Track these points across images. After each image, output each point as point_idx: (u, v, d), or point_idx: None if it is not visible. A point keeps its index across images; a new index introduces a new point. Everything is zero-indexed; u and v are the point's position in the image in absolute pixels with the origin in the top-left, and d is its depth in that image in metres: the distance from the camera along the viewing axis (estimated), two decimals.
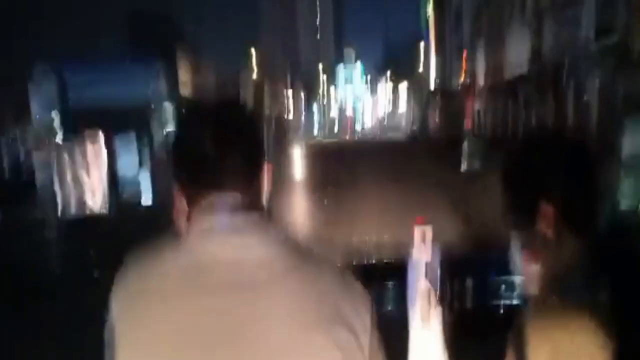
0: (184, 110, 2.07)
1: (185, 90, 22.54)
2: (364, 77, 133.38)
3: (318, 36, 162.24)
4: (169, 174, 1.17)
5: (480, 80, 34.64)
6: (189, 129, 1.16)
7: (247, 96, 36.94)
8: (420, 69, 64.40)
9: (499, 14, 30.21)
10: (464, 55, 40.18)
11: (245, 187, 1.10)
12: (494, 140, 29.27)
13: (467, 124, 32.49)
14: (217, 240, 1.03)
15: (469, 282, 1.66)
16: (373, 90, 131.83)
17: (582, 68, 19.09)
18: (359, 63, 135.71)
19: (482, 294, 1.61)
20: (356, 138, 53.17)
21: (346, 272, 1.10)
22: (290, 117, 59.16)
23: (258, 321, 0.98)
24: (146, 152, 17.91)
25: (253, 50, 53.47)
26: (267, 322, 0.98)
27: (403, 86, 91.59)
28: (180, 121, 2.07)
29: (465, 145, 29.57)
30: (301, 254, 1.07)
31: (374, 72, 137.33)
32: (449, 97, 43.42)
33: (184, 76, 22.34)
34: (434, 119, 48.11)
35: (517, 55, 27.20)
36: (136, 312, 1.02)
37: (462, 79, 40.60)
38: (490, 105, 32.63)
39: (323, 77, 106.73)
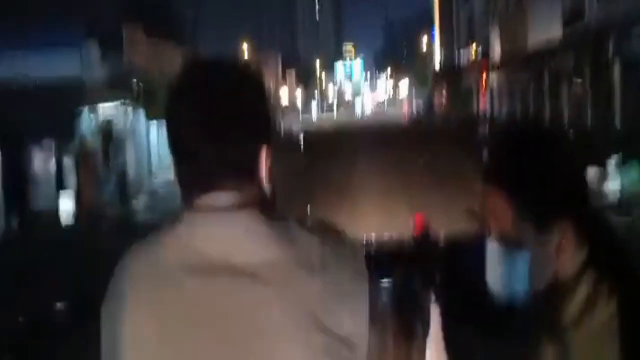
0: (171, 85, 1.01)
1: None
2: (363, 73, 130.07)
3: (317, 30, 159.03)
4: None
5: (496, 55, 29.57)
6: (172, 116, 1.00)
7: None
8: (424, 49, 59.82)
9: None
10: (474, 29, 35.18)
11: (243, 185, 0.97)
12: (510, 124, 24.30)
13: (482, 104, 27.46)
14: (206, 247, 0.94)
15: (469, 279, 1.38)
16: (372, 83, 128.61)
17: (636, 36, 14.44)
18: (359, 59, 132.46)
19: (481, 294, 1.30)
20: (356, 123, 48.40)
21: (350, 267, 0.99)
22: (286, 105, 55.63)
23: (245, 327, 0.92)
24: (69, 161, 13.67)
25: (245, 44, 49.55)
26: (247, 327, 0.92)
27: (404, 81, 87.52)
28: (166, 106, 1.00)
29: (482, 130, 24.82)
30: (299, 252, 0.95)
31: (374, 62, 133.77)
32: (456, 77, 38.59)
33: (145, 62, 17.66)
34: (440, 101, 43.42)
35: (544, 20, 22.29)
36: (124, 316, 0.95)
37: (472, 56, 35.53)
38: (508, 84, 27.62)
39: (322, 72, 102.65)
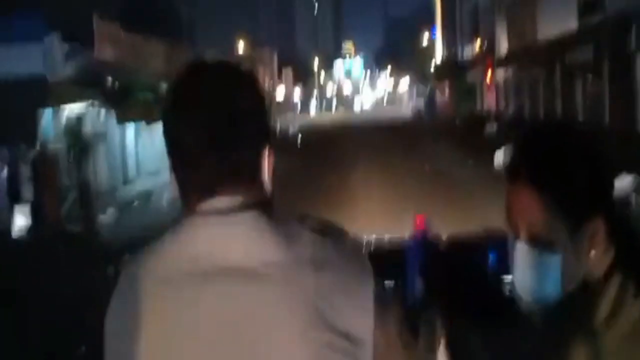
0: (169, 89, 1.02)
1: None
2: (363, 71, 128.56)
3: (317, 27, 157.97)
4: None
5: (502, 48, 27.78)
6: (172, 121, 0.98)
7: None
8: (424, 44, 58.01)
9: None
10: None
11: (246, 188, 0.97)
12: (520, 123, 22.87)
13: (487, 101, 25.72)
14: (208, 250, 0.93)
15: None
16: (373, 81, 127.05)
17: None
18: (359, 57, 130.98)
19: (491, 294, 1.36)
20: (355, 121, 46.76)
21: (354, 266, 0.98)
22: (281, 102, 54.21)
23: (245, 327, 0.91)
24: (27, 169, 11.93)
25: (241, 40, 47.92)
26: (252, 327, 0.91)
27: (405, 79, 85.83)
28: (164, 108, 1.00)
29: (489, 128, 23.12)
30: (301, 251, 0.94)
31: (374, 60, 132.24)
32: (459, 73, 36.80)
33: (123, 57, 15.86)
34: (442, 98, 41.62)
35: (557, 12, 20.54)
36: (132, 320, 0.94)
37: (476, 51, 33.74)
38: (515, 81, 25.85)
39: (320, 70, 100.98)
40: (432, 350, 1.25)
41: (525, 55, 23.68)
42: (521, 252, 1.09)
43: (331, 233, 0.98)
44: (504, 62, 27.39)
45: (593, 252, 1.07)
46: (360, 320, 0.94)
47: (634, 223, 1.12)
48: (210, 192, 0.95)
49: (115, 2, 18.03)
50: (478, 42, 33.43)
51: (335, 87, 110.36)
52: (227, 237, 0.92)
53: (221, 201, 0.94)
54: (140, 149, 17.18)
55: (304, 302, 0.90)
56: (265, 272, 0.90)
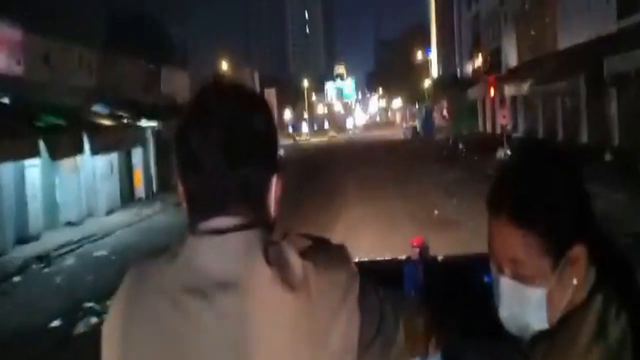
0: (187, 107, 1.01)
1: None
2: (355, 94, 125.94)
3: (308, 50, 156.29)
4: None
5: (510, 60, 24.20)
6: (184, 130, 0.98)
7: None
8: (419, 58, 54.58)
9: None
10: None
11: (250, 209, 0.98)
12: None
13: (502, 118, 22.08)
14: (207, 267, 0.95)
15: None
16: (365, 103, 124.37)
17: None
18: (350, 79, 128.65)
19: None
20: (347, 138, 43.26)
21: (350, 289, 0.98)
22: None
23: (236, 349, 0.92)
24: None
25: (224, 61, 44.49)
26: (243, 340, 0.92)
27: (397, 101, 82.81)
28: (179, 125, 1.00)
29: (500, 154, 19.57)
30: (289, 272, 0.94)
31: (366, 81, 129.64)
32: (459, 92, 33.22)
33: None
34: (440, 113, 37.94)
35: (583, 16, 17.06)
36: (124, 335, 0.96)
37: (479, 62, 30.16)
38: (527, 97, 22.22)
39: (311, 93, 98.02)
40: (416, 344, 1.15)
41: (540, 68, 20.11)
42: (505, 287, 1.06)
43: (315, 247, 0.98)
44: (513, 75, 23.79)
45: (575, 281, 1.03)
46: (345, 339, 0.94)
47: (610, 239, 1.08)
48: (217, 210, 0.95)
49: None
50: (480, 55, 29.90)
51: (326, 108, 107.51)
52: (219, 254, 0.94)
53: (222, 221, 0.95)
54: (49, 193, 12.93)
55: (288, 321, 0.91)
56: (254, 292, 0.91)
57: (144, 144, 17.39)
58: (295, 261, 0.93)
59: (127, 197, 16.73)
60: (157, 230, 12.97)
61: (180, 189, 0.99)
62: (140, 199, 17.25)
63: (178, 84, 22.63)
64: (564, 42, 18.85)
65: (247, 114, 0.97)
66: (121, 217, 14.64)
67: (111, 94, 15.67)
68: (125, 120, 15.98)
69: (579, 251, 1.02)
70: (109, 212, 14.92)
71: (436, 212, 11.66)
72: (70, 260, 10.47)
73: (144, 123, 17.23)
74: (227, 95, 0.99)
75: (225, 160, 0.94)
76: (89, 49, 15.27)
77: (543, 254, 1.01)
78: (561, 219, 1.01)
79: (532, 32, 21.61)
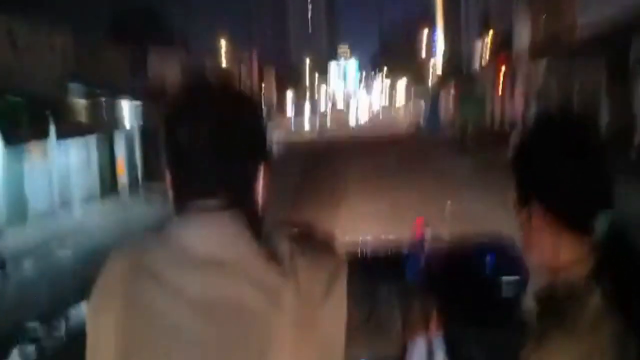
0: (171, 97, 1.08)
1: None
2: (359, 73, 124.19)
3: (309, 30, 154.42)
4: None
5: (522, 42, 22.66)
6: (172, 121, 1.02)
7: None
8: (423, 50, 53.11)
9: None
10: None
11: (236, 195, 0.99)
12: None
13: (516, 112, 20.80)
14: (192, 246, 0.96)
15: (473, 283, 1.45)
16: (368, 86, 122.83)
17: None
18: (353, 60, 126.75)
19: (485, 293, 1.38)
20: (349, 134, 41.90)
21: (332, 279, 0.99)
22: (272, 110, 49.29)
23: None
24: None
25: (223, 42, 42.84)
26: (228, 314, 0.94)
27: (402, 84, 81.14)
28: (167, 112, 1.05)
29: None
30: (271, 254, 0.96)
31: (369, 67, 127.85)
32: (467, 77, 31.69)
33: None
34: (447, 108, 36.33)
35: None
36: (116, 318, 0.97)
37: (488, 45, 28.61)
38: (542, 83, 20.78)
39: (314, 74, 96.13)
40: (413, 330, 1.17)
41: (558, 46, 18.64)
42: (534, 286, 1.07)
43: (304, 234, 1.00)
44: (525, 56, 22.28)
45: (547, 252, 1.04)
46: (331, 324, 0.95)
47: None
48: (202, 195, 0.97)
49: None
50: (489, 37, 28.32)
51: (330, 89, 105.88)
52: (206, 231, 0.95)
53: (207, 202, 0.96)
54: (15, 183, 11.40)
55: (276, 298, 0.91)
56: (239, 267, 0.92)
57: (126, 128, 16.01)
58: (284, 244, 0.95)
59: (109, 187, 15.30)
60: (137, 223, 11.68)
61: (168, 176, 1.01)
62: (123, 190, 15.82)
63: (168, 66, 21.20)
64: (585, 18, 17.36)
65: (235, 108, 1.00)
66: (99, 209, 13.36)
67: (88, 76, 14.23)
68: (103, 100, 14.52)
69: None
70: (86, 204, 13.58)
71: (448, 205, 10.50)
72: (27, 263, 9.18)
73: (126, 105, 15.82)
74: (215, 88, 1.02)
75: (212, 152, 0.96)
76: (64, 31, 13.78)
77: (579, 237, 1.01)
78: (590, 193, 1.00)
79: (548, 10, 20.07)
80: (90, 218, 12.37)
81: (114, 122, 15.08)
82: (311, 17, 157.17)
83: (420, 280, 1.35)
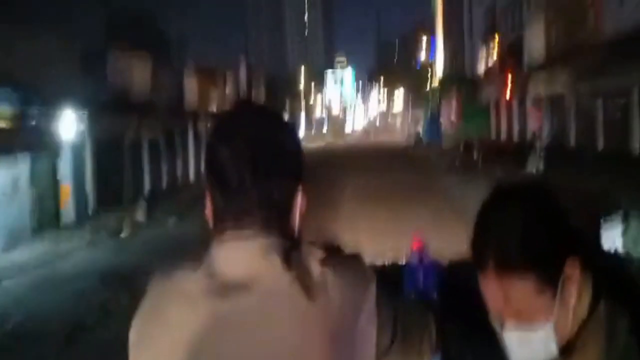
0: (212, 126, 1.10)
1: None
2: (355, 83, 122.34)
3: (305, 35, 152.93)
4: None
5: (534, 51, 20.25)
6: (214, 141, 1.04)
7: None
8: (422, 58, 50.94)
9: None
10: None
11: (273, 222, 1.00)
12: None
13: (535, 123, 18.55)
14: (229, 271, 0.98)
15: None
16: (365, 95, 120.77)
17: None
18: (349, 68, 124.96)
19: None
20: (345, 143, 39.98)
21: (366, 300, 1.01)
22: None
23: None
24: None
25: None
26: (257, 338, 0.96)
27: (399, 91, 79.21)
28: (209, 139, 1.07)
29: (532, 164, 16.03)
30: (305, 277, 0.97)
31: (366, 76, 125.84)
32: (470, 88, 29.27)
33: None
34: (448, 116, 33.88)
35: None
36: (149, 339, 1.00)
37: (494, 56, 26.19)
38: (554, 95, 18.39)
39: (310, 84, 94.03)
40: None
41: (579, 59, 16.24)
42: (513, 340, 1.05)
43: (334, 255, 1.00)
44: (540, 71, 19.84)
45: (573, 299, 1.03)
46: (367, 330, 0.98)
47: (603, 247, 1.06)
48: (241, 221, 0.99)
49: None
50: (495, 42, 25.88)
51: (326, 98, 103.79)
52: (238, 258, 0.97)
53: (244, 230, 0.98)
54: None
55: (308, 322, 0.93)
56: (270, 292, 0.94)
57: (75, 145, 13.32)
58: (315, 268, 0.96)
59: (48, 222, 12.40)
60: (70, 275, 9.08)
61: (208, 207, 1.02)
62: (68, 224, 12.89)
63: (136, 72, 18.61)
64: (610, 27, 14.95)
65: (273, 130, 1.02)
66: (26, 255, 10.42)
67: (22, 78, 11.50)
68: (34, 108, 11.68)
69: (571, 267, 1.01)
70: (8, 248, 10.71)
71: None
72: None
73: (70, 115, 12.97)
74: (254, 112, 1.05)
75: (251, 174, 0.98)
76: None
77: (540, 293, 1.01)
78: (548, 256, 1.00)
79: (566, 15, 17.67)
80: (6, 267, 9.64)
81: (58, 137, 12.43)
82: (308, 25, 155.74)
83: (417, 297, 1.31)
